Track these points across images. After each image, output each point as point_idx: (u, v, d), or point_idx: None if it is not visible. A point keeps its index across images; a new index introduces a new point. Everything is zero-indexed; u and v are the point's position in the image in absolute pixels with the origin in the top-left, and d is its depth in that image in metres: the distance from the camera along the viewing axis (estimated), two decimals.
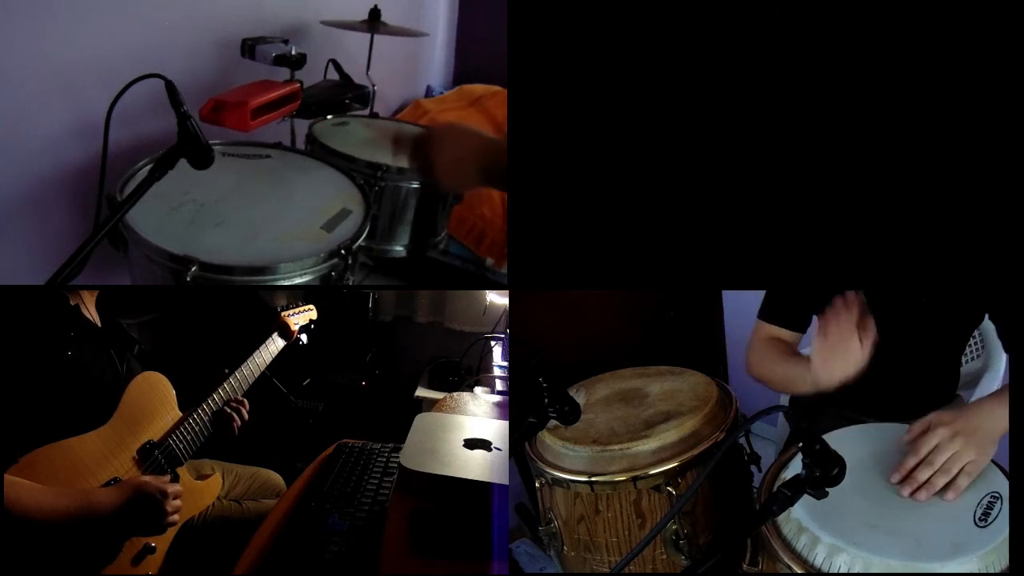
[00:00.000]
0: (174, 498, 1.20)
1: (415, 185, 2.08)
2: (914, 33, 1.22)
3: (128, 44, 1.80)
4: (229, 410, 1.49)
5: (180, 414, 1.41)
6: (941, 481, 1.09)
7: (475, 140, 1.42)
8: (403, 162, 1.55)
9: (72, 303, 1.32)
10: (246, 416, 1.52)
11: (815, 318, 1.58)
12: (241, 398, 1.55)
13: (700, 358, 1.69)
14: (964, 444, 1.10)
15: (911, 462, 1.12)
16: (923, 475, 1.10)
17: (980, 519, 1.04)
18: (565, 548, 1.41)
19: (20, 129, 1.62)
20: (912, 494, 1.10)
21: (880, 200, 1.28)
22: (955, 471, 1.09)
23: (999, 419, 1.14)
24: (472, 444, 1.42)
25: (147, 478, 1.22)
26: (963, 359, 1.55)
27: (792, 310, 1.51)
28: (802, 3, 1.23)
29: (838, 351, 1.23)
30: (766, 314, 1.53)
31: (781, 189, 1.29)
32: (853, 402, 1.49)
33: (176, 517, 1.21)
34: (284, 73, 2.09)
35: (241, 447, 1.67)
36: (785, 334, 1.51)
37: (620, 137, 1.30)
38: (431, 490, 1.27)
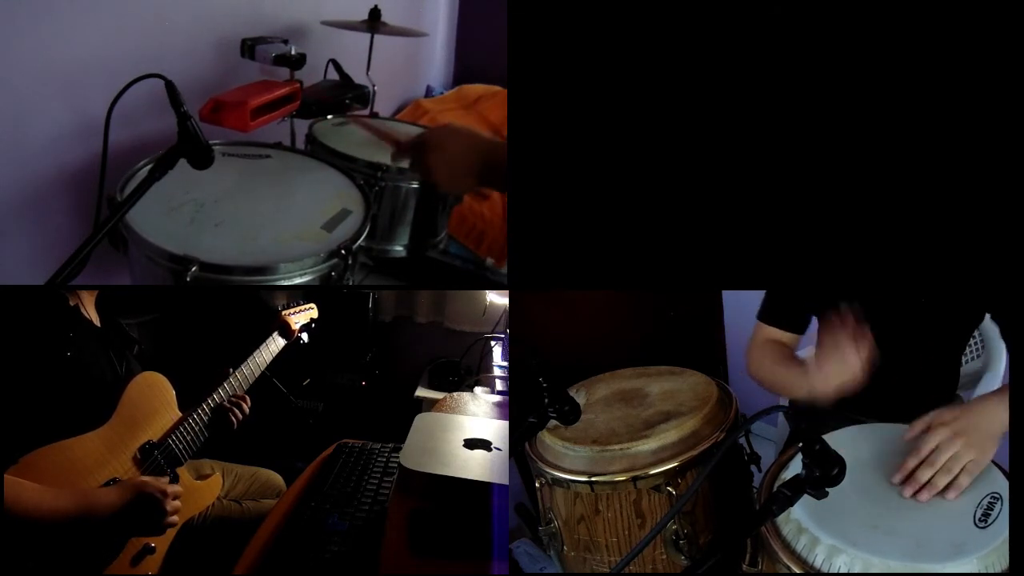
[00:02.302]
0: (174, 499, 1.20)
1: (415, 185, 2.08)
2: (914, 33, 1.22)
3: (128, 44, 1.80)
4: (230, 405, 1.49)
5: (180, 414, 1.41)
6: (943, 481, 1.09)
7: (472, 140, 1.43)
8: (403, 163, 1.56)
9: (71, 303, 1.32)
10: (247, 411, 1.52)
11: (815, 320, 1.58)
12: (242, 394, 1.55)
13: (700, 358, 1.69)
14: (964, 444, 1.11)
15: (912, 462, 1.12)
16: (925, 475, 1.10)
17: (980, 520, 1.04)
18: (565, 548, 1.41)
19: (20, 129, 1.62)
20: (914, 495, 1.10)
21: (880, 200, 1.28)
22: (956, 471, 1.10)
23: (999, 417, 1.14)
24: (472, 444, 1.42)
25: (147, 479, 1.22)
26: (963, 359, 1.55)
27: (791, 312, 1.51)
28: (802, 3, 1.23)
29: (833, 361, 1.23)
30: (765, 316, 1.53)
31: (781, 189, 1.29)
32: (853, 402, 1.49)
33: (175, 519, 1.21)
34: (284, 73, 2.09)
35: (241, 447, 1.67)
36: (784, 336, 1.50)
37: (620, 137, 1.30)
38: (431, 490, 1.27)
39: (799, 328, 1.51)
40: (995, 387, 1.72)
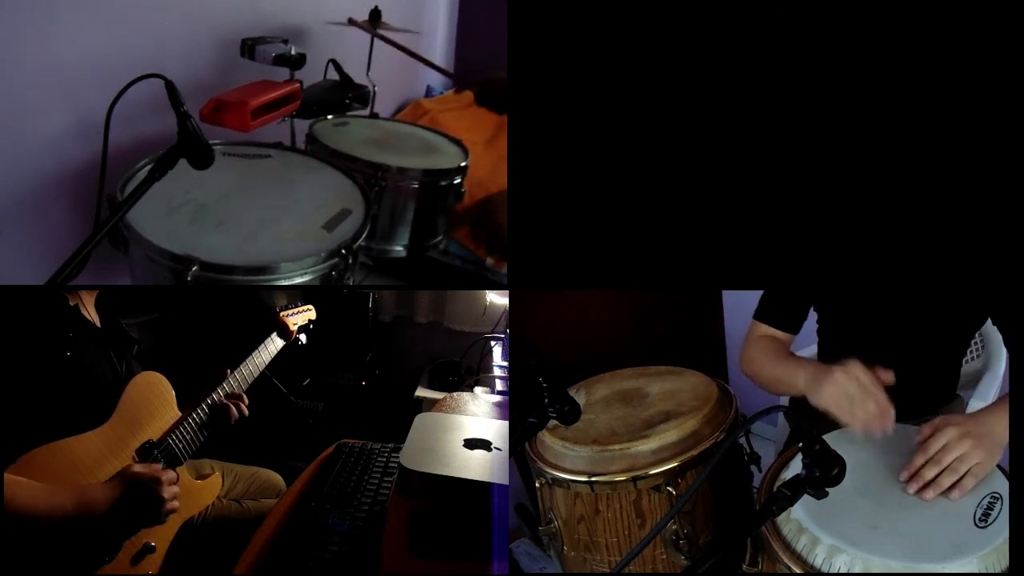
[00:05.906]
0: (169, 484, 1.20)
1: (415, 185, 2.08)
2: (914, 33, 1.22)
3: (128, 44, 1.80)
4: (227, 402, 1.48)
5: (179, 414, 1.41)
6: (948, 480, 1.09)
7: None
8: None
9: (71, 303, 1.32)
10: (245, 411, 1.52)
11: (815, 327, 1.58)
12: (240, 392, 1.55)
13: (700, 358, 1.68)
14: (972, 446, 1.10)
15: (919, 460, 1.12)
16: (930, 473, 1.10)
17: (980, 520, 1.04)
18: (565, 548, 1.41)
19: (20, 129, 1.62)
20: (918, 492, 1.10)
21: (880, 201, 1.28)
22: (962, 471, 1.09)
23: (1007, 425, 1.14)
24: (472, 444, 1.42)
25: (138, 467, 1.22)
26: (963, 359, 1.55)
27: (787, 311, 1.51)
28: (802, 3, 1.23)
29: (850, 395, 1.20)
30: (761, 315, 1.53)
31: (781, 189, 1.29)
32: None
33: (176, 503, 1.21)
34: (284, 73, 2.10)
35: (241, 447, 1.67)
36: (779, 335, 1.50)
37: (620, 137, 1.30)
38: (431, 490, 1.27)
39: (794, 328, 1.51)
40: (995, 387, 1.72)
